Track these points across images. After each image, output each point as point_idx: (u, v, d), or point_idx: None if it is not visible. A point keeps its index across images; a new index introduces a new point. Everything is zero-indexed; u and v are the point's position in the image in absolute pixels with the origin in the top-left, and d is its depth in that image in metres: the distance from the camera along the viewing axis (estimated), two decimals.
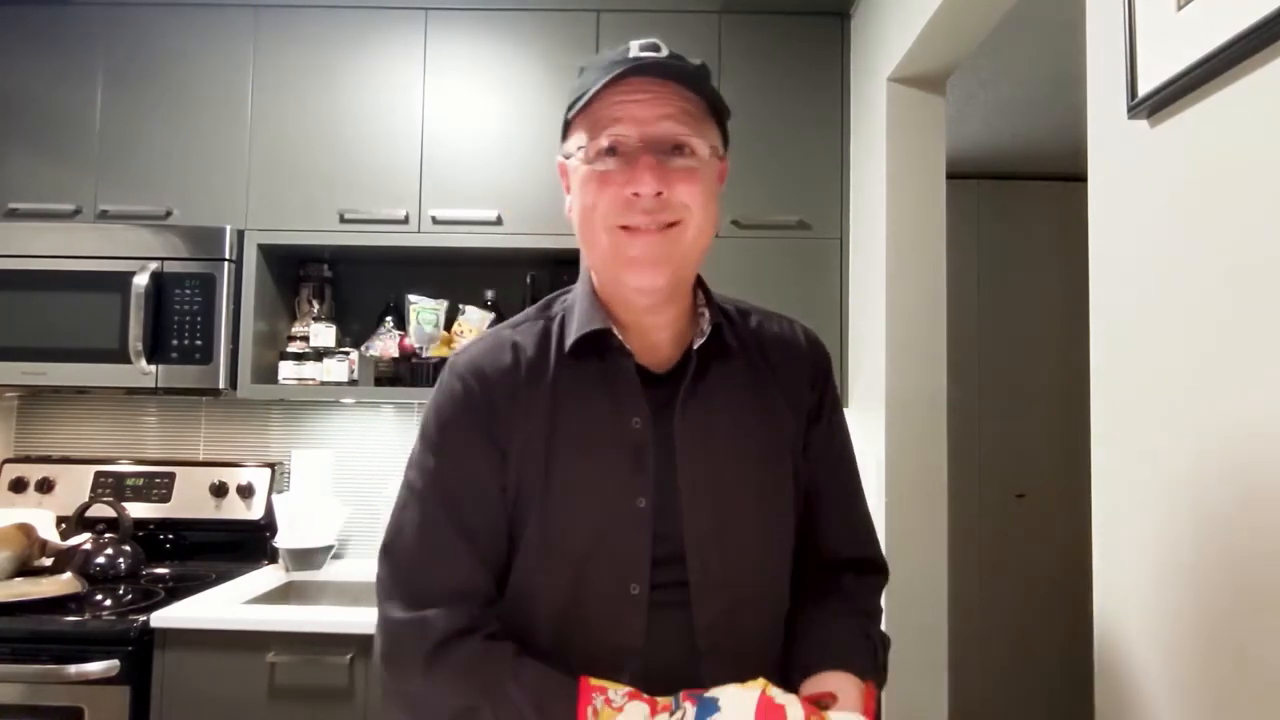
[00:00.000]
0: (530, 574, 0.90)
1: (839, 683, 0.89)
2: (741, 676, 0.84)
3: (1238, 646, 0.78)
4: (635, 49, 0.88)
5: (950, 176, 1.99)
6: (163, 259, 2.11)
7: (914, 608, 1.87)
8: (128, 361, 2.08)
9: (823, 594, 0.98)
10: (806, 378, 1.00)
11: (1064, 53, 2.30)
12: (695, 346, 0.93)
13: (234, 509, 2.34)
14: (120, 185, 2.21)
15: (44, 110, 2.23)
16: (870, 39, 2.07)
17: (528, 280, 2.35)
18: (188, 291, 2.11)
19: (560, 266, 2.34)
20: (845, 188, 2.21)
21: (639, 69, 0.85)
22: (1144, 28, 0.92)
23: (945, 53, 1.81)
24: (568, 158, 0.92)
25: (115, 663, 1.74)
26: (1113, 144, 1.01)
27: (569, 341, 0.93)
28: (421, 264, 2.37)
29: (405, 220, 2.18)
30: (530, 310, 1.01)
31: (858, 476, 1.06)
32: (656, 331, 0.94)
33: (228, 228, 2.14)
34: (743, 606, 0.92)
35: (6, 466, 2.39)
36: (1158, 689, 0.90)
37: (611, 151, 0.86)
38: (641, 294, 0.90)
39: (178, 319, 2.11)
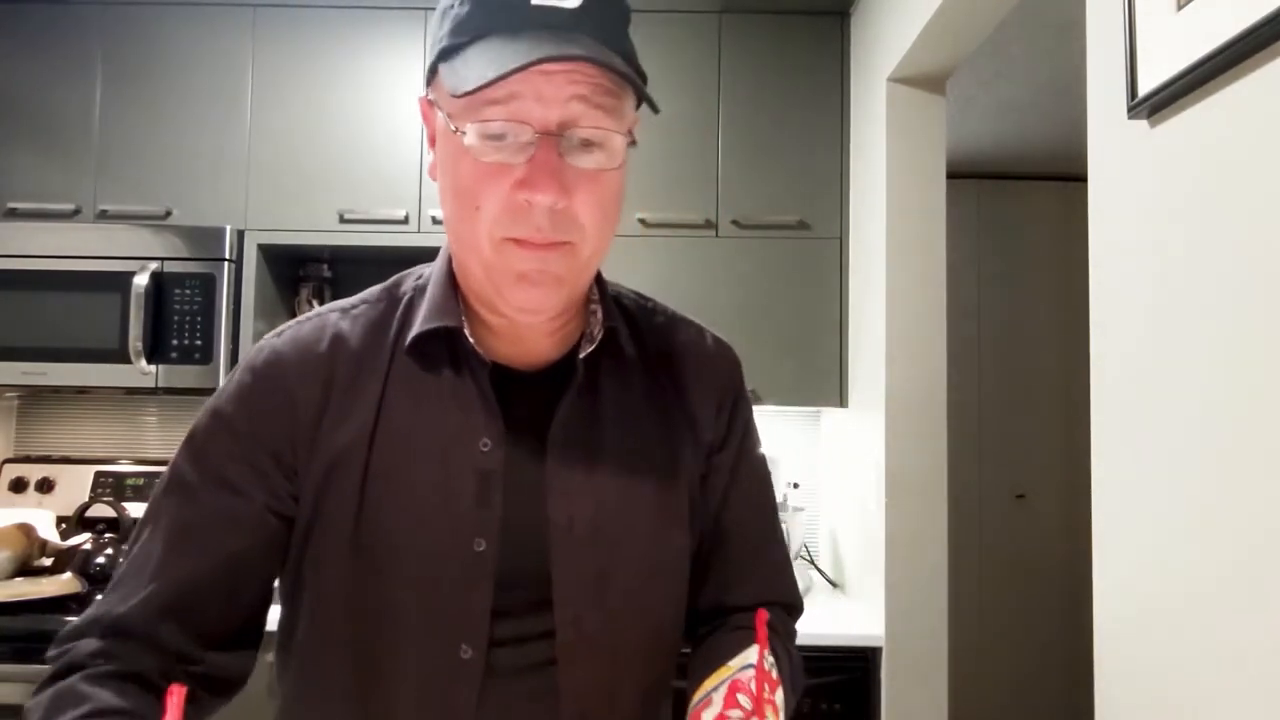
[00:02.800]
0: (326, 628, 0.72)
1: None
2: None
3: (1238, 646, 0.78)
4: None
5: (950, 176, 1.99)
6: (163, 259, 2.11)
7: (914, 608, 1.87)
8: (128, 361, 2.08)
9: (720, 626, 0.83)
10: (714, 398, 0.82)
11: (1064, 53, 2.30)
12: (582, 355, 0.75)
13: None
14: (120, 185, 2.21)
15: (43, 110, 2.23)
16: (870, 39, 2.07)
17: None
18: (188, 291, 2.11)
19: None
20: (845, 188, 2.21)
21: (539, 24, 0.63)
22: (1144, 28, 0.92)
23: (945, 53, 1.81)
24: (432, 101, 0.71)
25: None
26: (1113, 144, 1.01)
27: (409, 336, 0.74)
28: (421, 264, 2.37)
29: (405, 220, 2.18)
30: (375, 289, 0.81)
31: (774, 515, 0.89)
32: (532, 334, 0.75)
33: (228, 228, 2.14)
34: (623, 672, 0.75)
35: (6, 466, 2.39)
36: (1158, 689, 0.90)
37: (501, 137, 0.65)
38: (524, 314, 0.70)
39: (178, 319, 2.11)
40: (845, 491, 2.26)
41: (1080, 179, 3.27)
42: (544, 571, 0.72)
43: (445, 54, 0.67)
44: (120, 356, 2.08)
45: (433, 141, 0.73)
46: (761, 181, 2.20)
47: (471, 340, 0.73)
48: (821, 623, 1.92)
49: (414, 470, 0.72)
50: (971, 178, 3.32)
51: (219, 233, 2.13)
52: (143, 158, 2.21)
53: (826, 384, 2.17)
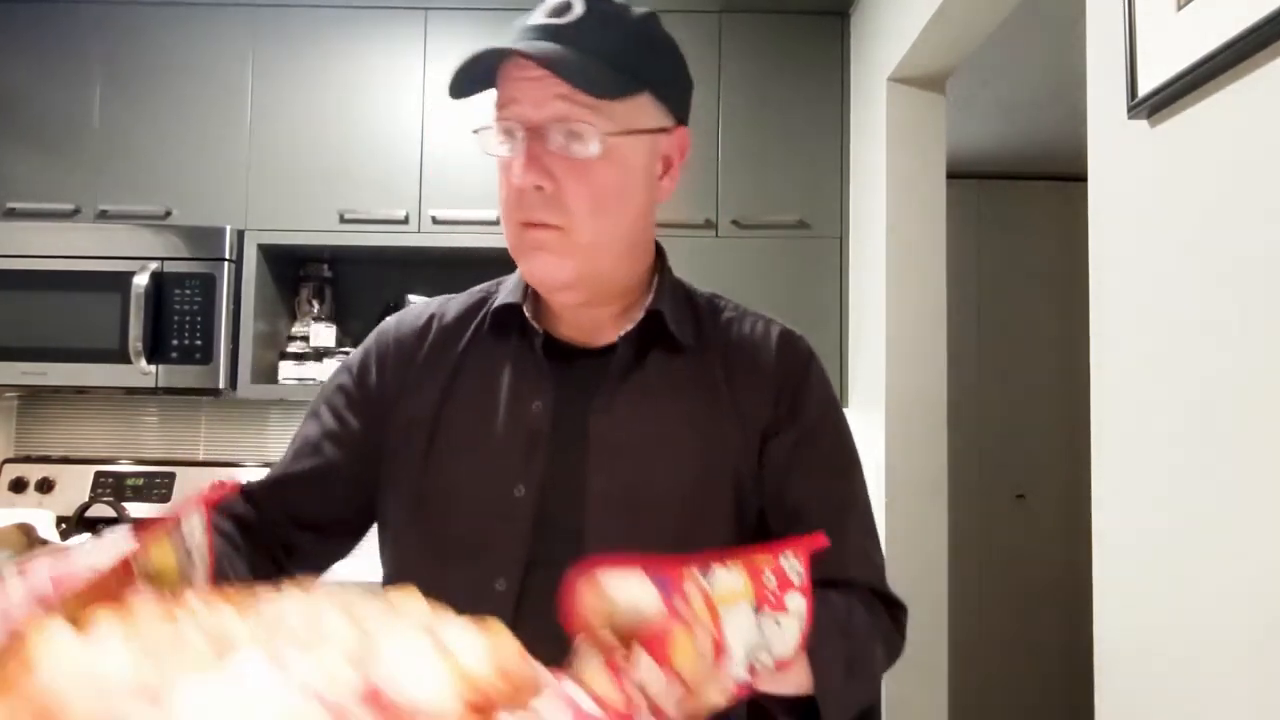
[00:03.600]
0: (397, 542, 0.87)
1: None
2: None
3: (1238, 646, 0.78)
4: (539, 16, 0.77)
5: (950, 176, 1.99)
6: (163, 259, 2.11)
7: (914, 608, 1.86)
8: (128, 361, 2.08)
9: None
10: (770, 389, 0.87)
11: (1064, 53, 2.30)
12: (620, 334, 0.84)
13: None
14: (120, 185, 2.21)
15: (43, 110, 2.23)
16: (870, 38, 2.07)
17: None
18: (188, 291, 2.11)
19: None
20: (845, 188, 2.21)
21: (521, 49, 0.74)
22: (1144, 28, 0.92)
23: (945, 53, 1.81)
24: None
25: None
26: (1113, 144, 1.01)
27: (487, 312, 0.88)
28: (421, 264, 2.37)
29: (405, 220, 2.18)
30: (486, 284, 0.95)
31: (851, 501, 0.90)
32: (579, 315, 0.86)
33: (228, 228, 2.14)
34: None
35: (6, 466, 2.39)
36: (1158, 689, 0.90)
37: (508, 135, 0.78)
38: (549, 287, 0.81)
39: (178, 319, 2.11)
40: None
41: (1080, 179, 3.24)
42: (578, 525, 0.80)
43: (458, 82, 0.80)
44: (120, 356, 2.08)
45: None
46: (761, 181, 2.20)
47: (529, 315, 0.85)
48: None
49: (475, 422, 0.84)
50: (971, 178, 3.32)
51: (219, 233, 2.13)
52: (143, 158, 2.21)
53: None
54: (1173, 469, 0.88)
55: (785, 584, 0.63)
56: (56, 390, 2.32)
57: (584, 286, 0.81)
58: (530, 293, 0.86)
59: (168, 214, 2.19)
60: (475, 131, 0.81)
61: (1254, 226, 0.77)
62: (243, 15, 2.24)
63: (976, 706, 3.21)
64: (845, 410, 2.22)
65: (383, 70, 2.23)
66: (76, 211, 2.19)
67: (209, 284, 2.11)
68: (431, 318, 0.91)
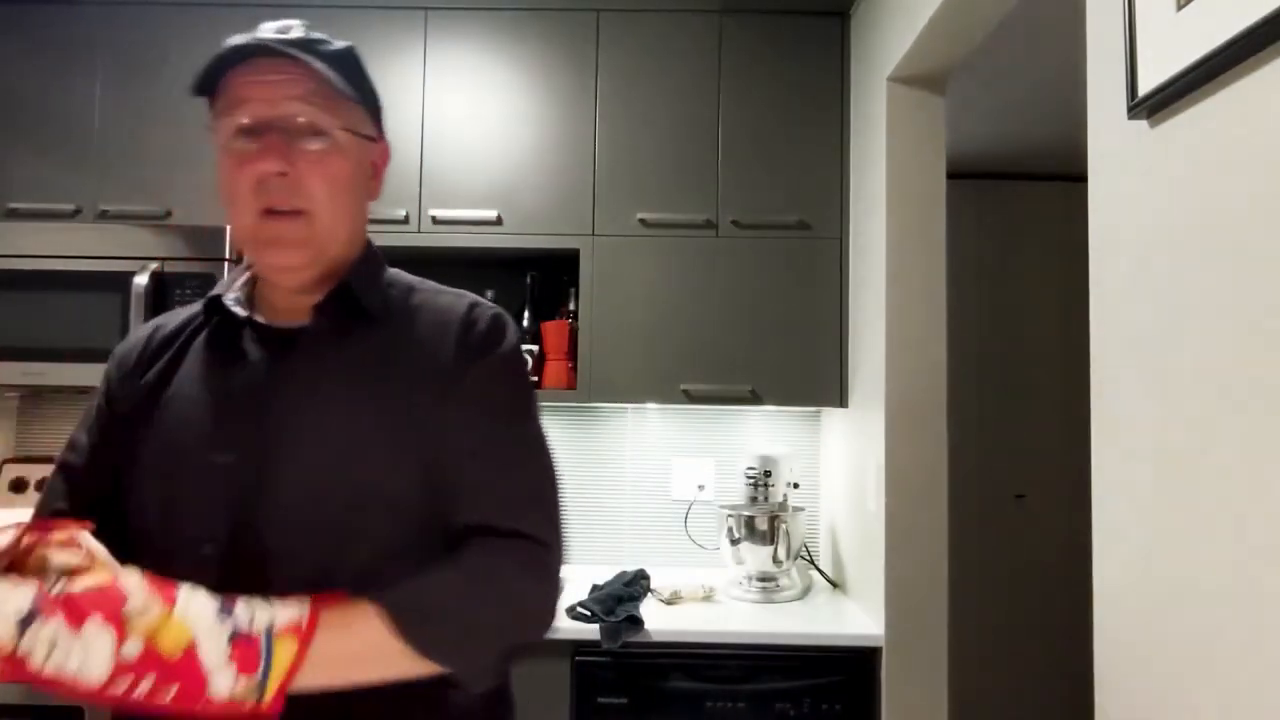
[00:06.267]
0: (128, 514, 0.93)
1: (342, 605, 0.79)
2: None
3: (1237, 645, 0.78)
4: (267, 31, 0.91)
5: (950, 176, 1.99)
6: (163, 259, 2.11)
7: (914, 608, 1.87)
8: None
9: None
10: (451, 349, 0.94)
11: (1064, 53, 2.30)
12: (313, 304, 0.94)
13: None
14: (120, 185, 2.21)
15: (44, 109, 2.23)
16: (870, 39, 2.07)
17: (528, 280, 2.36)
18: (188, 291, 2.11)
19: (560, 266, 2.34)
20: (845, 188, 2.21)
21: (263, 49, 0.87)
22: (1144, 28, 0.92)
23: (945, 53, 1.81)
24: (212, 132, 0.93)
25: None
26: (1113, 144, 1.01)
27: (200, 308, 0.99)
28: (421, 264, 2.36)
29: (405, 220, 2.18)
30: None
31: (517, 449, 0.93)
32: (295, 298, 0.96)
33: (228, 228, 2.14)
34: (321, 579, 0.83)
35: (6, 466, 2.39)
36: (1158, 689, 0.90)
37: (246, 132, 0.88)
38: (282, 273, 0.93)
39: None
40: (845, 492, 2.26)
41: (1080, 179, 3.27)
42: (274, 487, 0.86)
43: (199, 84, 0.91)
44: None
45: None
46: (761, 181, 2.20)
47: (235, 303, 0.96)
48: (821, 623, 1.92)
49: (184, 399, 0.93)
50: (971, 178, 3.32)
51: (219, 233, 2.13)
52: (143, 158, 2.21)
53: (826, 384, 2.17)
54: (1173, 469, 0.88)
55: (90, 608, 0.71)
56: (56, 390, 2.32)
57: (314, 269, 0.93)
58: (244, 284, 0.99)
59: (168, 214, 2.19)
60: (211, 130, 0.91)
61: (1254, 226, 0.77)
62: (243, 15, 2.24)
63: (976, 706, 3.21)
64: (845, 410, 2.23)
65: (382, 70, 2.23)
66: (77, 211, 2.19)
67: (209, 284, 2.11)
68: (156, 329, 1.02)
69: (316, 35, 0.92)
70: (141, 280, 2.07)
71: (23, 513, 2.27)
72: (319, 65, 0.88)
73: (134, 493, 0.92)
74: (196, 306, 1.01)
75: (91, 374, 2.10)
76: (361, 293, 0.96)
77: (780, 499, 2.25)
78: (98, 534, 0.85)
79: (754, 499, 2.24)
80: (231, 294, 0.97)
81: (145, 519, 0.90)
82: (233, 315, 0.96)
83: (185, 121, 2.22)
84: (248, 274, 1.01)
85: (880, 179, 1.95)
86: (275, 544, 0.85)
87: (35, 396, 2.50)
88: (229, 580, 0.82)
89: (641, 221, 2.17)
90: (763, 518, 2.15)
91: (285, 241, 0.90)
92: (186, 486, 0.89)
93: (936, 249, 1.93)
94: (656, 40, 2.23)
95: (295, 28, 0.92)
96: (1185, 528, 0.86)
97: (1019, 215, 3.40)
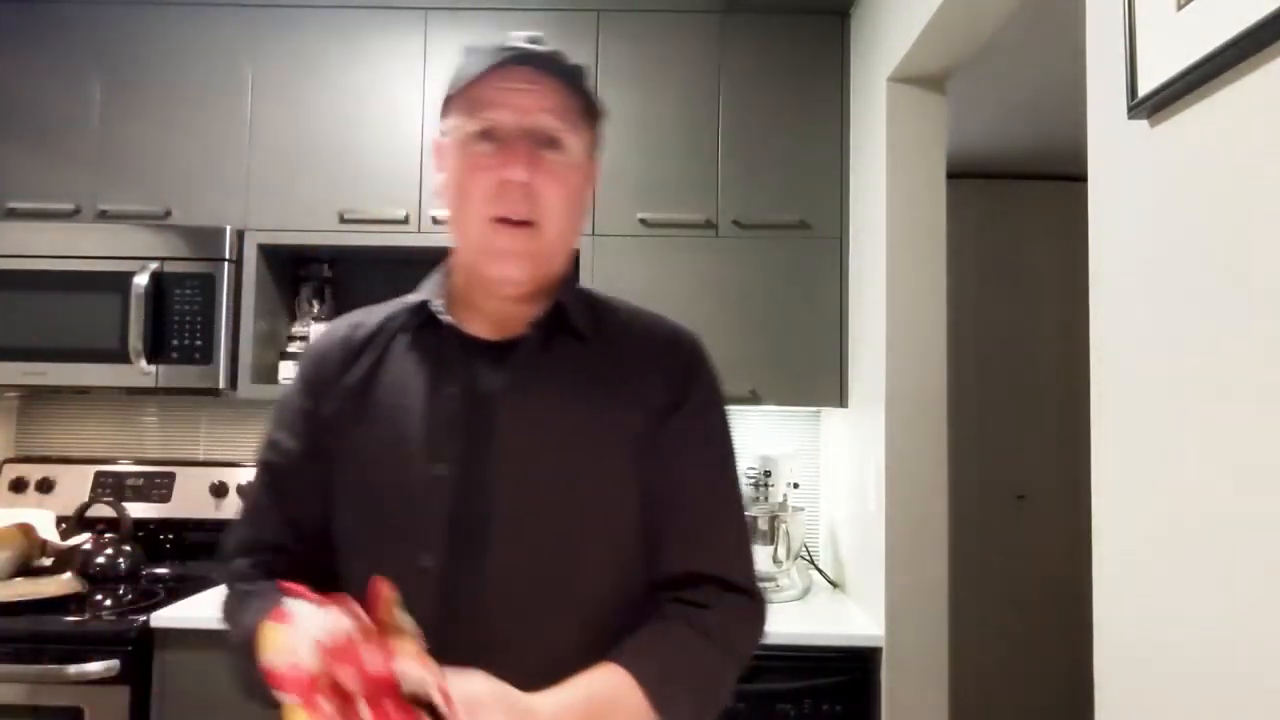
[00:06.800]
0: (340, 532, 0.92)
1: (603, 675, 0.81)
2: (529, 682, 0.77)
3: (1238, 645, 0.78)
4: (520, 39, 0.90)
5: (950, 176, 1.99)
6: (163, 259, 2.11)
7: (914, 608, 1.87)
8: (128, 361, 2.08)
9: (667, 605, 0.90)
10: (662, 374, 0.94)
11: (1064, 53, 2.30)
12: (529, 323, 0.92)
13: (234, 509, 2.32)
14: (120, 185, 2.21)
15: (43, 110, 2.23)
16: (870, 38, 2.07)
17: None
18: (188, 291, 2.11)
19: None
20: (845, 188, 2.21)
21: (524, 58, 0.87)
22: (1144, 28, 0.92)
23: (945, 53, 1.81)
24: (443, 135, 0.92)
25: (115, 663, 1.74)
26: (1113, 144, 1.01)
27: (402, 312, 0.97)
28: (421, 264, 2.33)
29: (405, 220, 2.18)
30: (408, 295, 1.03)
31: (728, 489, 0.96)
32: (507, 314, 0.93)
33: (227, 228, 2.14)
34: (544, 593, 0.86)
35: (6, 466, 2.39)
36: (1158, 689, 0.90)
37: (487, 136, 0.87)
38: (504, 284, 0.91)
39: (178, 319, 2.11)
40: (845, 492, 2.26)
41: (1080, 179, 3.25)
42: (494, 501, 0.86)
43: (453, 85, 0.90)
44: (120, 356, 2.09)
45: (439, 168, 0.93)
46: (761, 181, 2.20)
47: (441, 312, 0.92)
48: (821, 623, 1.92)
49: (395, 410, 0.91)
50: (971, 178, 3.32)
51: (219, 233, 2.14)
52: (142, 157, 2.21)
53: (826, 384, 2.17)
54: (1173, 469, 0.88)
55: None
56: (56, 390, 2.32)
57: (535, 282, 0.91)
58: (446, 290, 0.96)
59: (168, 214, 2.19)
60: (443, 135, 0.91)
61: (1254, 226, 0.77)
62: (243, 15, 2.24)
63: (976, 706, 3.21)
64: (845, 410, 2.23)
65: (383, 70, 2.23)
66: (77, 211, 2.19)
67: (209, 284, 2.12)
68: (354, 326, 0.99)
69: (557, 49, 0.92)
70: (141, 280, 2.07)
71: (23, 513, 2.27)
72: (571, 82, 0.89)
73: (348, 498, 0.91)
74: (394, 306, 0.99)
75: (92, 374, 2.11)
76: (573, 310, 0.94)
77: (780, 499, 2.25)
78: (307, 540, 0.92)
79: (754, 499, 2.24)
80: (439, 299, 0.94)
81: (359, 525, 0.90)
82: (438, 321, 0.93)
83: (185, 121, 2.22)
84: (448, 278, 0.98)
85: (880, 179, 1.95)
86: (500, 559, 0.85)
87: (35, 396, 2.50)
88: (448, 595, 0.84)
89: (642, 221, 2.17)
90: (763, 518, 2.15)
91: (514, 253, 0.88)
92: (405, 496, 0.88)
93: (937, 249, 1.93)
94: (656, 40, 2.23)
95: (544, 39, 0.92)
96: (1185, 527, 0.86)
97: (1019, 215, 3.39)
